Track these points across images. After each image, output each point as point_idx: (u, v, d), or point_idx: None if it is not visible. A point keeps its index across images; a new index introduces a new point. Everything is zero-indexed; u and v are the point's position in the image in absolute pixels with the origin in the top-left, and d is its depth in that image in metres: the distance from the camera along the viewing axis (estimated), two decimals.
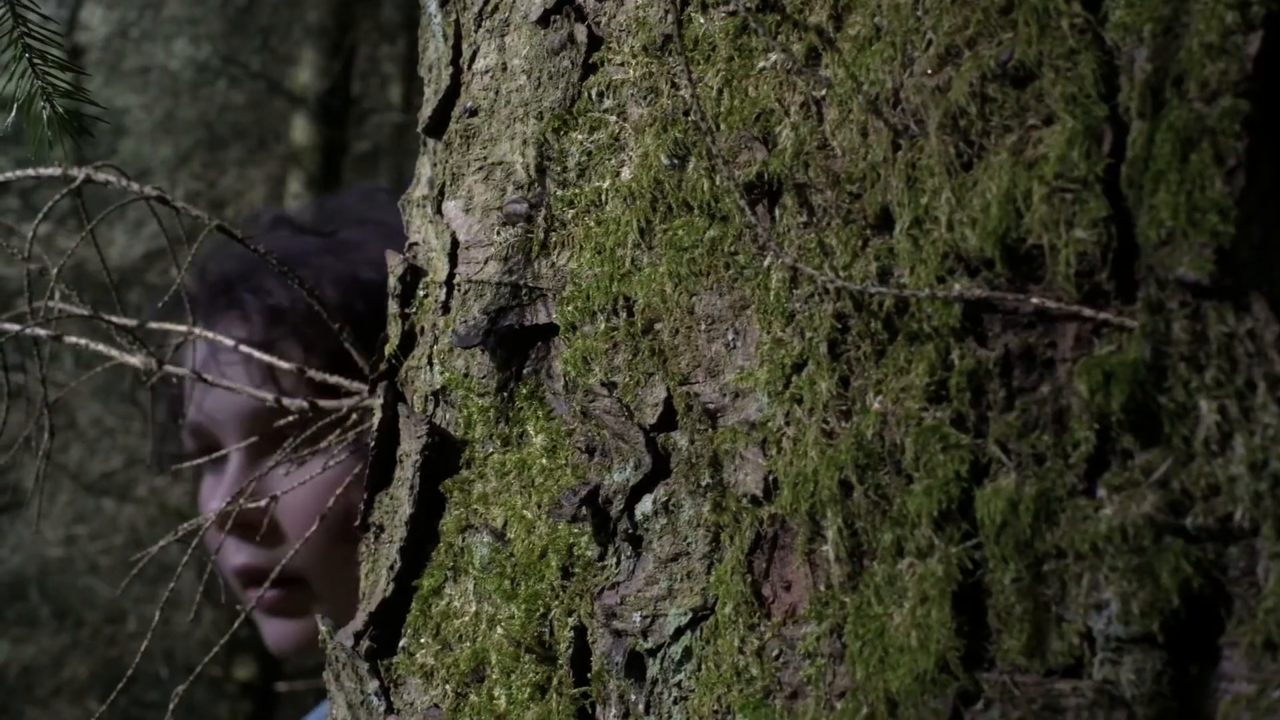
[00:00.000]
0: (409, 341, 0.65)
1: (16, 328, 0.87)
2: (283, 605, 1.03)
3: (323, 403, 0.81)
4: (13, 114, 0.57)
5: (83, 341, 0.89)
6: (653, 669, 0.49)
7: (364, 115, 5.91)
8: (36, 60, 0.54)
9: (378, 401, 0.66)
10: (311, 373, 0.85)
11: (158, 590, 4.55)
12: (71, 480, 4.83)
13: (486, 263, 0.58)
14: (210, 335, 0.88)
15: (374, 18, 6.20)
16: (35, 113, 0.56)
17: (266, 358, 0.86)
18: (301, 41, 5.15)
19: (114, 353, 0.87)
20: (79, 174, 0.87)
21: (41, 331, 0.89)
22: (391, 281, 0.66)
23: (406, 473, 0.61)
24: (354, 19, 5.17)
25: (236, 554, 1.03)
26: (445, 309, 0.62)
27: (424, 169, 0.68)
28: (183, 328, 0.88)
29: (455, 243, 0.62)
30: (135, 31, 6.66)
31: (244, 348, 0.88)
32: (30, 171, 0.90)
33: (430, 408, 0.62)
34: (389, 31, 6.61)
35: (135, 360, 0.86)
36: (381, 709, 0.60)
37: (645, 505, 0.50)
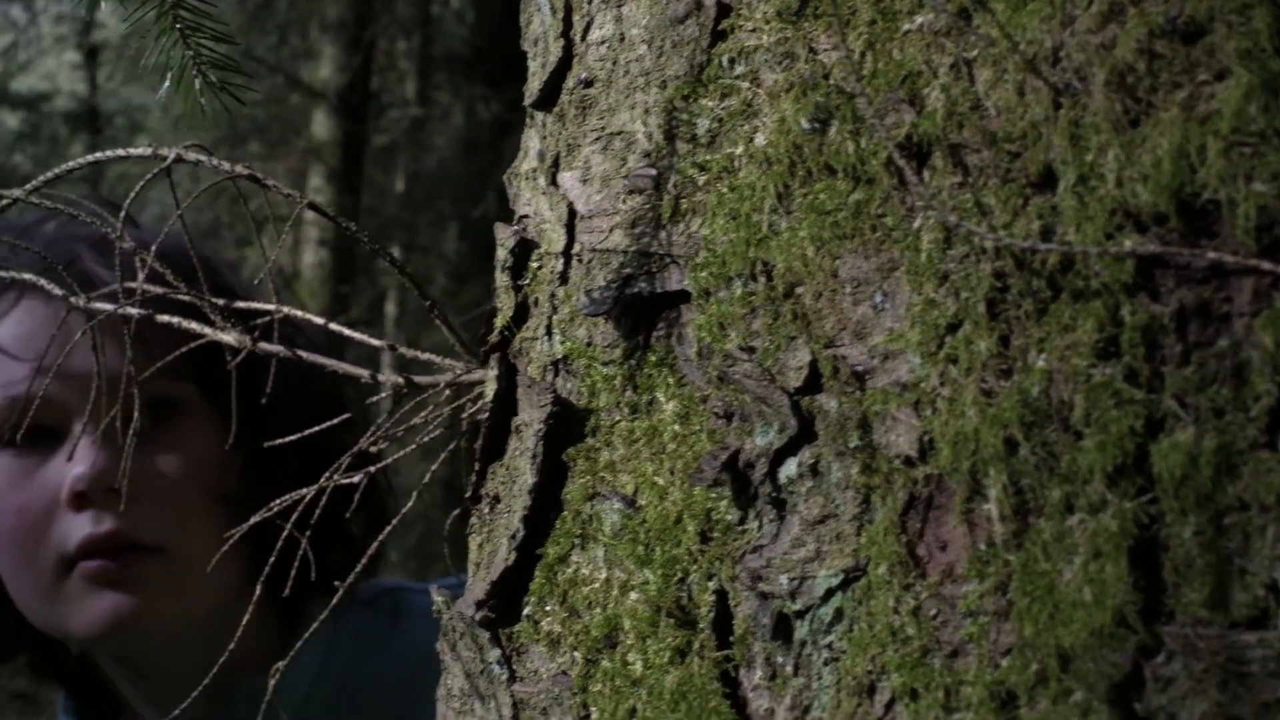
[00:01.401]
0: (522, 313, 0.65)
1: (110, 307, 0.87)
2: (123, 576, 0.95)
3: (418, 379, 0.82)
4: (166, 84, 0.58)
5: (176, 320, 0.89)
6: (801, 631, 0.49)
7: (382, 109, 5.92)
8: (189, 30, 0.54)
9: (491, 373, 0.66)
10: (404, 350, 0.85)
11: None
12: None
13: (611, 231, 0.59)
14: (301, 313, 0.89)
15: (390, 13, 6.21)
16: (187, 81, 0.56)
17: (359, 336, 0.87)
18: (321, 37, 5.16)
19: (207, 330, 0.88)
20: (169, 154, 0.87)
21: (133, 310, 0.90)
22: (501, 254, 0.66)
23: (527, 442, 0.61)
24: (373, 14, 5.18)
25: (89, 525, 0.94)
26: (563, 279, 0.62)
27: (531, 142, 0.68)
28: (270, 306, 0.88)
29: (573, 213, 0.62)
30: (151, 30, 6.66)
31: (334, 325, 0.88)
32: (121, 152, 0.90)
33: (550, 377, 0.62)
34: (405, 26, 6.62)
35: (229, 337, 0.86)
36: (504, 677, 0.60)
37: (789, 468, 0.51)
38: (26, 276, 0.91)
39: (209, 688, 0.90)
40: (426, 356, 0.84)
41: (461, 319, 5.54)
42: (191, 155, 0.87)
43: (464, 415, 0.81)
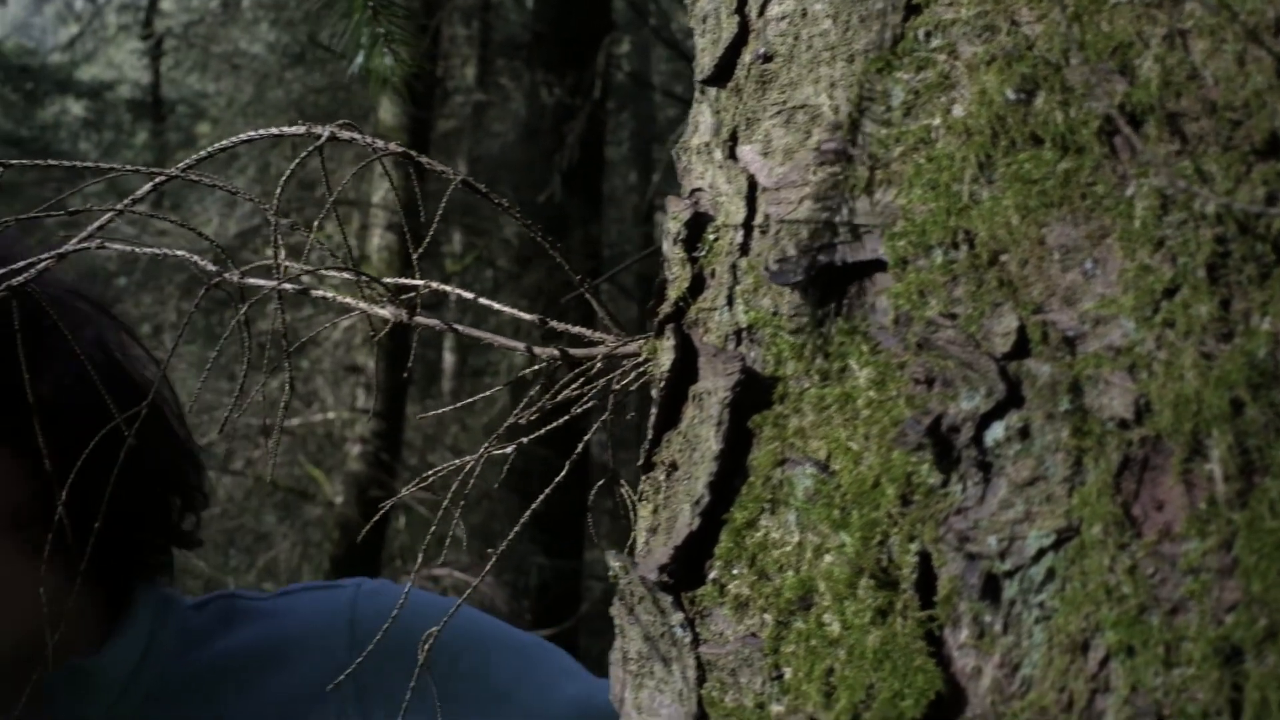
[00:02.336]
0: (698, 284, 0.66)
1: (270, 283, 0.89)
2: None
3: (574, 351, 0.83)
4: (359, 60, 0.60)
5: (330, 294, 0.91)
6: (1010, 590, 0.50)
7: (447, 95, 5.96)
8: (381, 7, 0.56)
9: (667, 343, 0.67)
10: (554, 324, 0.87)
11: (255, 559, 4.69)
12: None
13: (801, 203, 0.60)
14: (448, 288, 0.91)
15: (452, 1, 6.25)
16: (379, 54, 0.58)
17: (509, 310, 0.89)
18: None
19: (362, 305, 0.90)
20: (323, 131, 0.89)
21: (289, 286, 0.92)
22: (674, 227, 0.68)
23: (711, 410, 0.62)
24: (438, 1, 5.22)
25: None
26: (744, 250, 0.63)
27: (703, 117, 0.69)
28: (419, 282, 0.90)
29: (754, 185, 0.63)
30: (215, 19, 6.76)
31: (483, 300, 0.90)
32: (274, 130, 0.92)
33: (731, 347, 0.63)
34: (466, 14, 6.66)
35: (385, 311, 0.88)
36: (688, 640, 0.62)
37: (996, 432, 0.52)
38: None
39: (32, 679, 0.95)
40: (577, 330, 0.86)
41: (524, 302, 5.60)
42: (345, 134, 0.89)
43: (615, 387, 0.83)
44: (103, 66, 10.60)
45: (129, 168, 0.91)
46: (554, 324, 0.86)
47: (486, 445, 0.88)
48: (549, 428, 0.86)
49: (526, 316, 0.88)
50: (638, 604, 0.65)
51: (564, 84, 5.76)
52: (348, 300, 0.89)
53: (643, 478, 0.70)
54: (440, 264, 5.92)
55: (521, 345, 0.84)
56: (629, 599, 0.66)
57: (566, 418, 0.87)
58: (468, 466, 0.83)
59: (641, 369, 0.80)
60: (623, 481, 0.85)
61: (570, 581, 5.73)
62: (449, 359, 6.88)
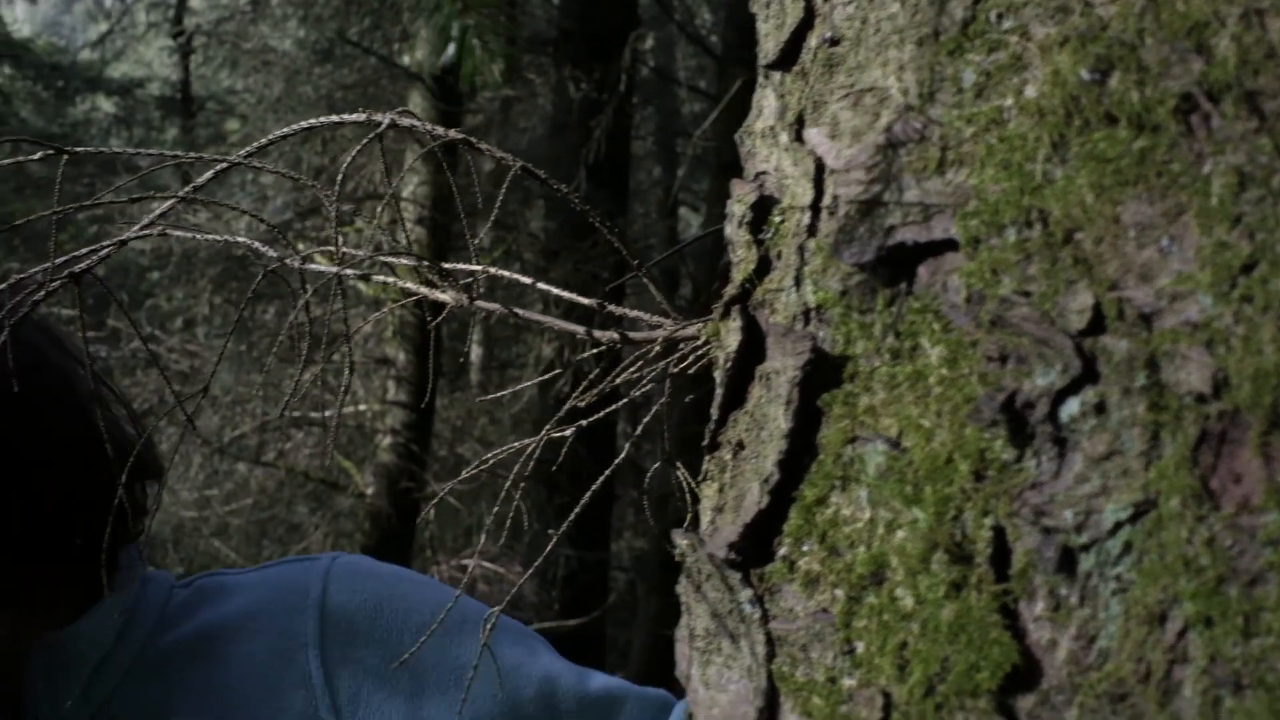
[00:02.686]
0: (764, 266, 0.67)
1: (331, 268, 0.91)
2: None
3: (633, 335, 0.84)
4: (451, 48, 0.61)
5: (391, 279, 0.92)
6: (1086, 563, 0.51)
7: (475, 90, 5.97)
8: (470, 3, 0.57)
9: (733, 325, 0.68)
10: (613, 308, 0.88)
11: (287, 549, 4.73)
12: (206, 444, 4.99)
13: (870, 184, 0.61)
14: (507, 274, 0.92)
15: None
16: (469, 45, 0.59)
17: (567, 295, 0.90)
18: (415, 19, 5.22)
19: (423, 289, 0.91)
20: (384, 119, 0.90)
21: (350, 271, 0.93)
22: (739, 210, 0.69)
23: (780, 390, 0.63)
24: None
25: None
26: (812, 231, 0.64)
27: (767, 101, 0.70)
28: (478, 268, 0.92)
29: (821, 167, 0.64)
30: (244, 16, 6.79)
31: (542, 285, 0.91)
32: (335, 118, 0.94)
33: (799, 327, 0.64)
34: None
35: (446, 296, 0.90)
36: (757, 616, 0.63)
37: (1071, 407, 0.52)
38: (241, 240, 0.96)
39: (10, 656, 0.98)
40: (635, 314, 0.87)
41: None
42: (405, 121, 0.90)
43: (672, 370, 0.84)
44: (132, 64, 10.68)
45: (194, 155, 0.93)
46: (612, 308, 0.87)
47: (548, 428, 0.89)
48: (606, 411, 0.87)
49: (586, 301, 0.89)
50: (705, 581, 0.66)
51: (591, 79, 5.77)
52: (408, 285, 0.91)
53: (706, 458, 0.71)
54: (466, 258, 5.91)
55: (581, 329, 0.85)
56: (696, 577, 0.67)
57: (624, 401, 0.88)
58: (529, 449, 0.84)
59: (700, 352, 0.81)
60: (678, 465, 0.86)
61: (597, 572, 5.75)
62: (476, 352, 6.92)
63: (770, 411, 0.64)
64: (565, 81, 5.85)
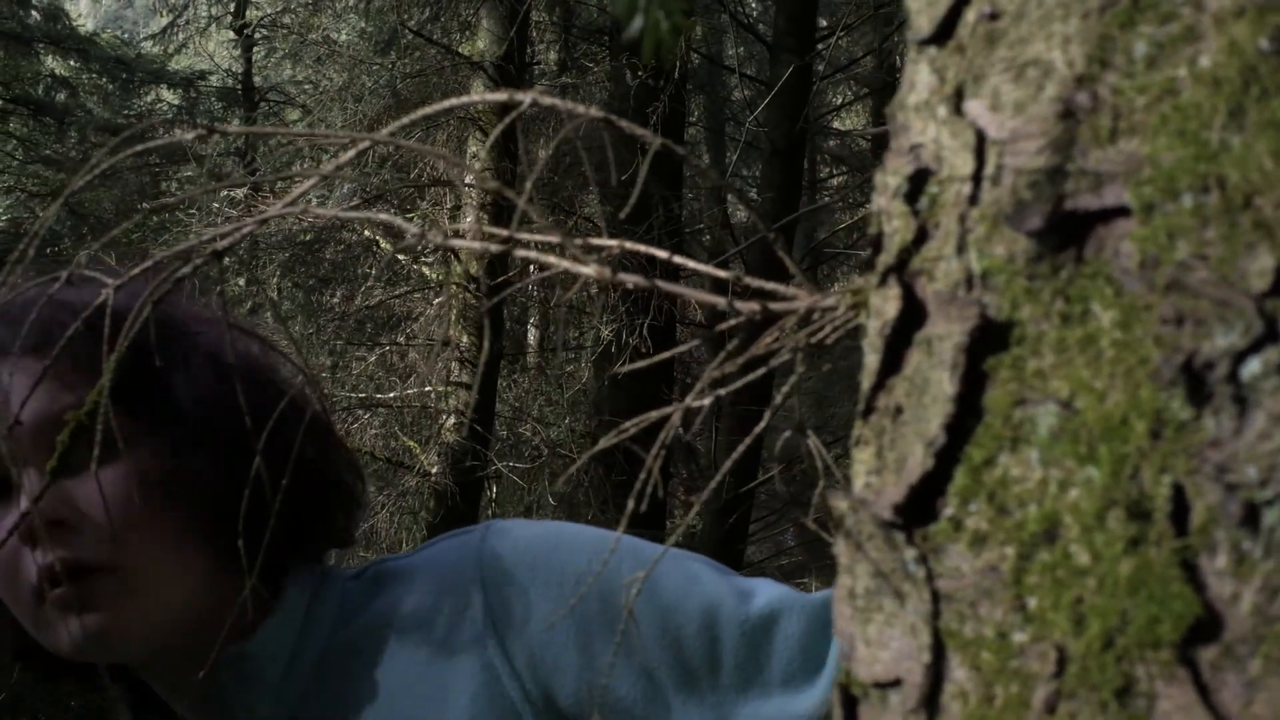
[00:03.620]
0: (921, 236, 0.69)
1: (477, 244, 0.93)
2: (82, 598, 1.03)
3: (774, 305, 0.86)
4: (636, 22, 0.63)
5: (535, 253, 0.95)
6: (1270, 518, 0.53)
7: (535, 78, 6.03)
8: None
9: (892, 292, 0.70)
10: (750, 280, 0.90)
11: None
12: None
13: (1039, 153, 0.62)
14: (643, 247, 0.94)
15: None
16: (653, 19, 0.62)
17: (703, 268, 0.92)
18: (478, 10, 5.27)
19: (565, 263, 0.93)
20: (525, 98, 0.93)
21: (494, 246, 0.96)
22: (894, 182, 0.71)
23: (944, 355, 0.65)
24: None
25: (43, 556, 1.03)
26: (973, 201, 0.66)
27: (920, 76, 0.72)
28: (612, 242, 0.94)
29: (982, 138, 0.66)
30: (305, 9, 6.87)
31: (679, 258, 0.93)
32: (476, 97, 0.96)
33: (963, 293, 0.66)
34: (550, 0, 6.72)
35: (589, 270, 0.92)
36: (922, 574, 0.65)
37: (1253, 367, 0.54)
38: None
39: (204, 664, 1.00)
40: (772, 286, 0.89)
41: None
42: (546, 100, 0.92)
43: (812, 340, 0.86)
44: (192, 57, 10.83)
45: (328, 133, 0.96)
46: (748, 280, 0.89)
47: (689, 398, 0.91)
48: (744, 380, 0.89)
49: (722, 274, 0.91)
50: (867, 541, 0.68)
51: (646, 67, 5.79)
52: (550, 259, 0.93)
53: (859, 423, 0.73)
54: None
55: (723, 300, 0.87)
56: (856, 537, 0.69)
57: (763, 370, 0.90)
58: (671, 416, 0.87)
59: (838, 322, 0.83)
60: (809, 432, 0.88)
61: None
62: (532, 334, 6.98)
63: (933, 376, 0.66)
64: (622, 69, 5.88)
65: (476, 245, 0.95)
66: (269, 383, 1.12)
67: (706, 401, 0.92)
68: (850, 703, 0.70)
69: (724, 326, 0.90)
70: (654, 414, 0.93)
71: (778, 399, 0.89)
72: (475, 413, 4.82)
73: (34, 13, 9.93)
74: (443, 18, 5.83)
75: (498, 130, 0.92)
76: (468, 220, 5.21)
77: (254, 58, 9.34)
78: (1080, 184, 0.61)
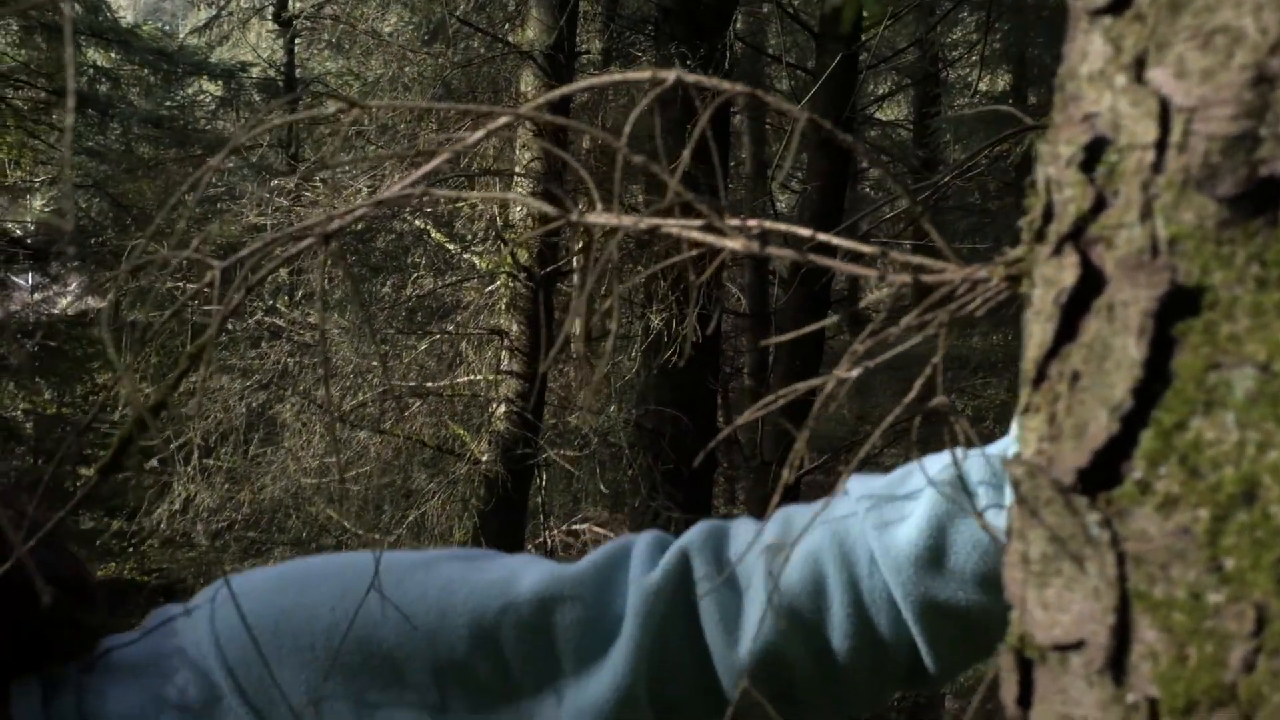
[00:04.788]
0: (1099, 204, 0.69)
1: (613, 220, 0.94)
2: None
3: (925, 277, 0.87)
4: None
5: (679, 225, 0.96)
6: None
7: (583, 67, 6.05)
8: None
9: (1069, 260, 0.71)
10: (896, 255, 0.90)
11: (405, 515, 4.88)
12: (326, 414, 5.13)
13: (1231, 120, 0.63)
14: (783, 226, 0.95)
15: None
16: None
17: (848, 243, 0.93)
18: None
19: (709, 237, 0.94)
20: (669, 77, 0.93)
21: (629, 222, 0.97)
22: (1068, 151, 0.71)
23: (1129, 320, 0.66)
24: None
25: None
26: (1157, 169, 0.66)
27: (1094, 46, 0.72)
28: (752, 222, 0.94)
29: (1167, 106, 0.66)
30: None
31: (822, 235, 0.94)
32: (619, 75, 0.97)
33: (1148, 260, 0.66)
34: None
35: (735, 244, 0.93)
36: (1106, 538, 0.65)
37: None
38: None
39: None
40: (919, 260, 0.90)
41: (656, 265, 5.67)
42: (690, 78, 0.93)
43: (960, 313, 0.86)
44: (234, 48, 10.91)
45: (469, 105, 0.97)
46: (895, 255, 0.90)
47: (839, 368, 0.92)
48: (891, 354, 0.90)
49: (865, 248, 0.92)
50: (1044, 507, 0.69)
51: (695, 57, 5.79)
52: (694, 234, 0.94)
53: (1027, 390, 0.74)
54: (580, 233, 6.00)
55: (874, 271, 0.88)
56: (1033, 503, 0.69)
57: (915, 341, 0.91)
58: (828, 387, 0.88)
59: (991, 294, 0.83)
60: (954, 400, 0.89)
61: None
62: (578, 324, 6.99)
63: (1115, 342, 0.66)
64: (672, 58, 5.88)
65: (612, 221, 0.96)
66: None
67: (855, 373, 0.93)
68: (1025, 665, 0.71)
69: (866, 302, 0.90)
70: (802, 385, 0.94)
71: (928, 373, 0.90)
72: (526, 401, 4.85)
73: (75, 5, 10.05)
74: (488, 7, 5.85)
75: (646, 100, 0.93)
76: (516, 211, 5.24)
77: (296, 49, 9.42)
78: (1275, 150, 0.61)
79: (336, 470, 5.13)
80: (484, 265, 5.34)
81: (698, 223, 1.00)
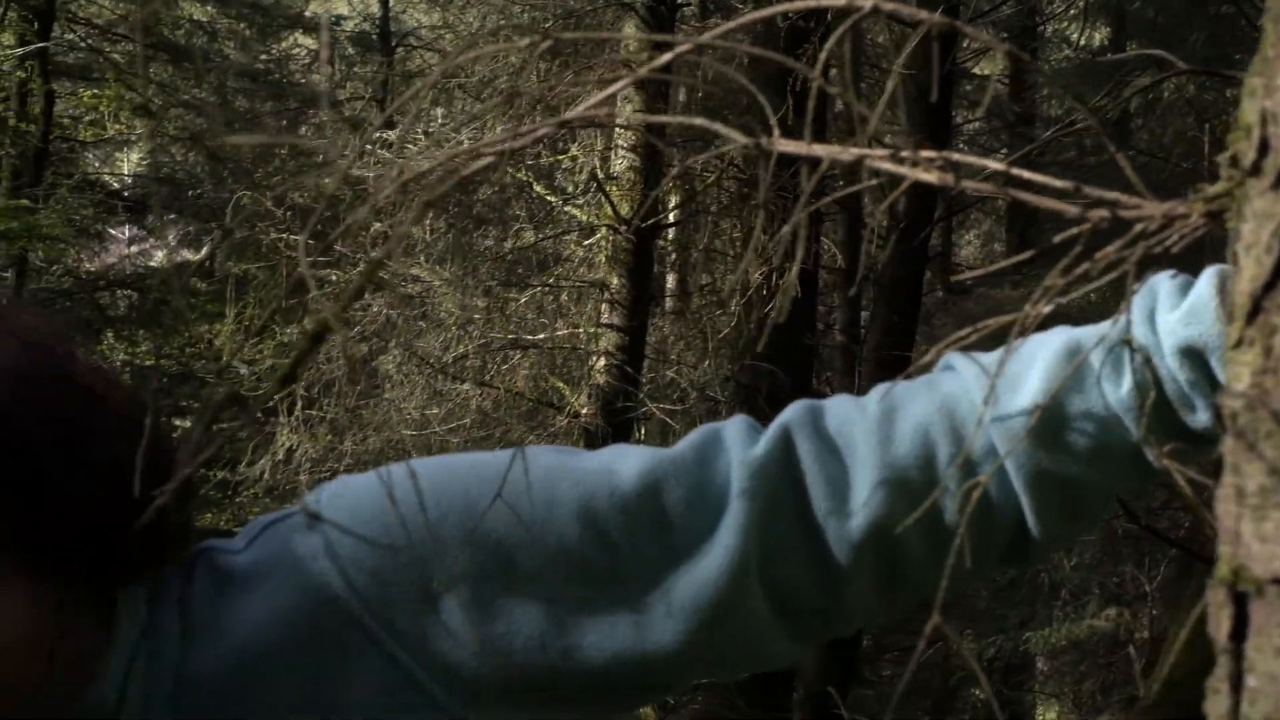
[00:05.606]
0: None
1: (807, 147, 0.95)
2: None
3: (1125, 213, 0.87)
4: None
5: (877, 156, 0.96)
6: None
7: (684, 19, 6.01)
8: None
9: None
10: (1090, 190, 0.90)
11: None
12: (428, 365, 5.21)
13: None
14: (981, 160, 0.95)
15: None
16: None
17: (1039, 178, 0.92)
18: None
19: (905, 170, 0.94)
20: (865, 4, 0.93)
21: (823, 151, 0.97)
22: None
23: None
24: None
25: None
26: None
27: None
28: (954, 155, 0.94)
29: None
30: None
31: (1015, 169, 0.94)
32: (813, 1, 0.97)
33: None
34: None
35: (930, 176, 0.93)
36: None
37: None
38: None
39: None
40: (1114, 196, 0.89)
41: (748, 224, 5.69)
42: (887, 5, 0.93)
43: (1157, 249, 0.86)
44: (326, 1, 11.01)
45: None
46: (1089, 190, 0.90)
47: (1030, 304, 0.92)
48: (1089, 288, 0.90)
49: (1058, 184, 0.92)
50: (1263, 440, 0.69)
51: (796, 10, 5.70)
52: (889, 166, 0.94)
53: (1242, 324, 0.73)
54: (675, 182, 6.02)
55: (1074, 208, 0.88)
56: (1251, 436, 0.69)
57: (1115, 275, 0.91)
58: (1016, 322, 0.88)
59: (1189, 230, 0.83)
60: (1139, 345, 0.88)
61: None
62: (670, 279, 7.03)
63: None
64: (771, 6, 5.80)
65: (831, 152, 0.97)
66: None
67: (1047, 309, 0.93)
68: (1240, 599, 0.71)
69: (1062, 237, 0.90)
70: (993, 321, 0.94)
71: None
72: (624, 353, 4.88)
73: None
74: None
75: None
76: (620, 163, 5.25)
77: (391, 2, 9.48)
78: None
79: (436, 422, 5.21)
80: (584, 217, 5.36)
81: (881, 153, 1.00)
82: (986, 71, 10.60)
